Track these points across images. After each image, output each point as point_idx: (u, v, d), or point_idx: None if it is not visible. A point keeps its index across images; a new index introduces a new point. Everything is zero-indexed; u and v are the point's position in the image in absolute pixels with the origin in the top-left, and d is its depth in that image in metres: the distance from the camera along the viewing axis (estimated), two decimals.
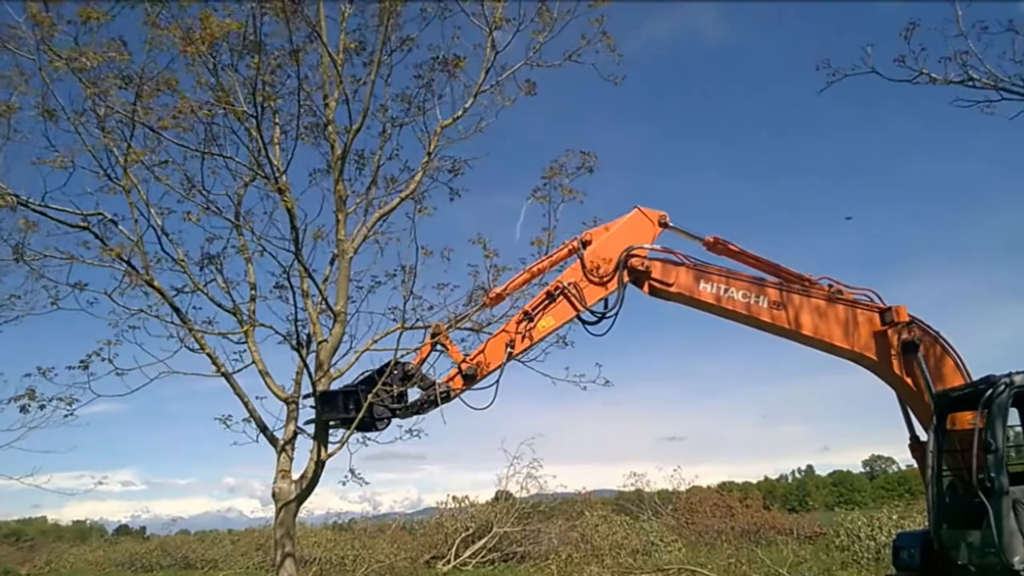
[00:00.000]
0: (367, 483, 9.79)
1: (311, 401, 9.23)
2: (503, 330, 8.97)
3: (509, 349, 8.75)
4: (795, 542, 23.86)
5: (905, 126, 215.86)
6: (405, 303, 9.15)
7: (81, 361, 9.02)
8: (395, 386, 8.51)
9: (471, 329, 10.25)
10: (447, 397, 8.63)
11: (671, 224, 9.64)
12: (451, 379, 8.76)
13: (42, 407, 8.98)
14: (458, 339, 9.87)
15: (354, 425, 8.53)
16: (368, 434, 9.21)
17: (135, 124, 8.30)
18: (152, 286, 8.76)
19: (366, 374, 8.84)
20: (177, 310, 9.12)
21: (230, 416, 9.82)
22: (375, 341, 10.02)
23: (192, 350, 9.49)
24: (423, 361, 8.95)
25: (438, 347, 8.99)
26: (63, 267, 8.89)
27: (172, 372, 9.49)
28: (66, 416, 9.18)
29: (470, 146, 11.19)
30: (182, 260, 9.48)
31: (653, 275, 9.07)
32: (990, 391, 7.21)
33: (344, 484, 9.33)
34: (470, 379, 8.65)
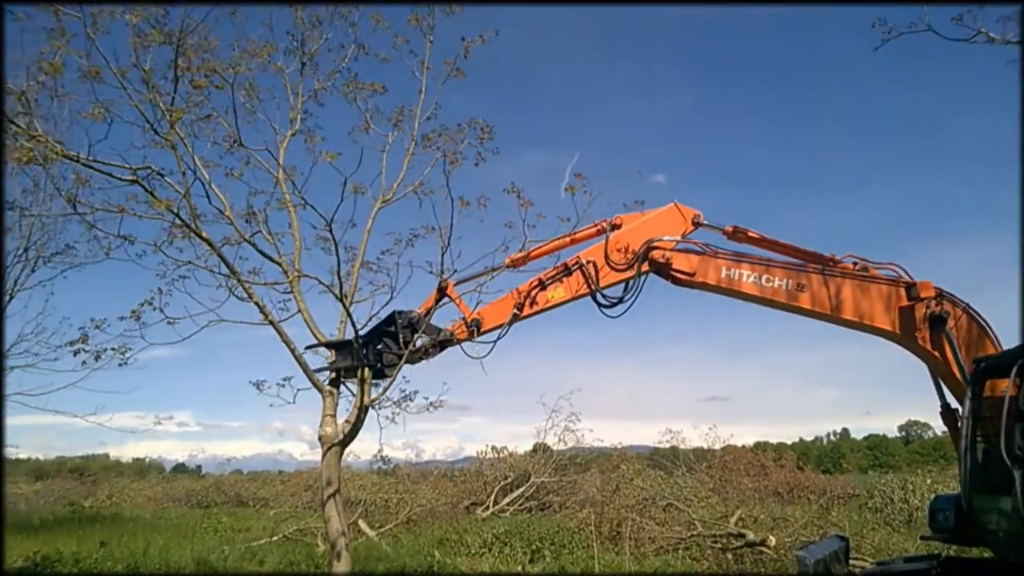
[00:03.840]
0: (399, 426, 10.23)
1: (324, 351, 9.60)
2: (515, 291, 9.17)
3: (515, 311, 9.01)
4: (827, 502, 23.92)
5: (950, 81, 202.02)
6: (443, 256, 9.31)
7: (132, 311, 9.32)
8: (400, 333, 8.92)
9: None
10: (449, 342, 9.09)
11: (704, 222, 9.55)
12: (456, 327, 9.16)
13: (96, 357, 9.36)
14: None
15: (397, 369, 8.91)
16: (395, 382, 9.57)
17: (178, 79, 8.45)
18: (200, 236, 8.82)
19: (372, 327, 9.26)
20: (225, 260, 9.17)
21: (264, 381, 10.06)
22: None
23: (240, 299, 9.59)
24: (429, 312, 9.25)
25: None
26: (115, 220, 8.97)
27: (221, 321, 9.70)
28: (120, 365, 9.60)
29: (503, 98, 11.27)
30: (228, 213, 9.59)
31: (674, 266, 9.06)
32: None
33: (384, 427, 9.85)
34: (474, 331, 9.05)
